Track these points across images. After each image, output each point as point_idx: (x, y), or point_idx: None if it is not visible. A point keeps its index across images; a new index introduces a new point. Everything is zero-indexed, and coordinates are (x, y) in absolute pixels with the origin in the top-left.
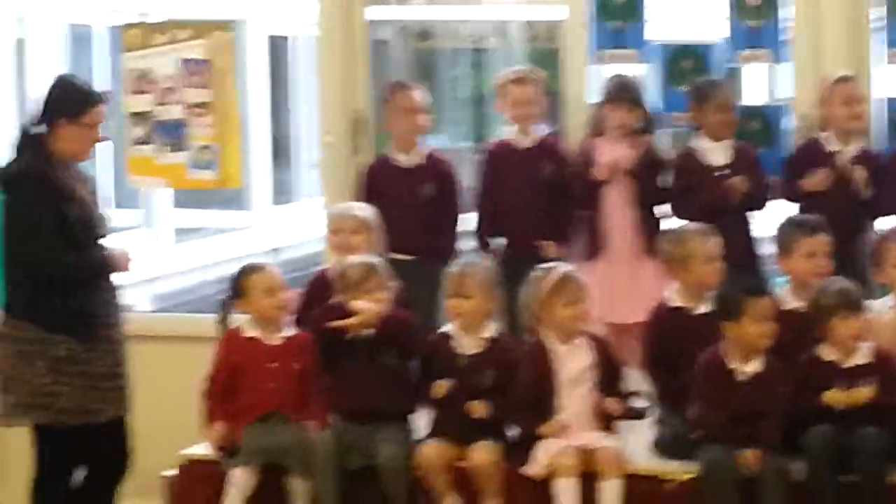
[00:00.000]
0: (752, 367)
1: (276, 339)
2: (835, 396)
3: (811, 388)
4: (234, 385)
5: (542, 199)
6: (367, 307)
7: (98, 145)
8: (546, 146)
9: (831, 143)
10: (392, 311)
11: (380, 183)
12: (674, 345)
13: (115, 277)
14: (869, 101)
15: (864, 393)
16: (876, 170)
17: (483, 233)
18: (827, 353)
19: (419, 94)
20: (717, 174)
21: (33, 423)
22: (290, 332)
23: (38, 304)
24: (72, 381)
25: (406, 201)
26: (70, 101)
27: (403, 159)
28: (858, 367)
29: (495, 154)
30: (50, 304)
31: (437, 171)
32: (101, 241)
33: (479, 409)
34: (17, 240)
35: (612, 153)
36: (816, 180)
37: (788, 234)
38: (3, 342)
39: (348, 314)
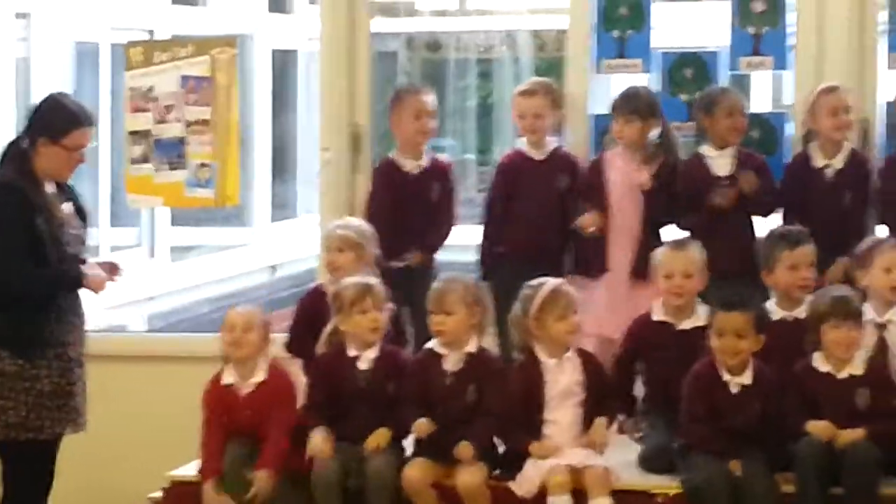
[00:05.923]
0: (742, 378)
1: (247, 387)
2: (818, 428)
3: (805, 398)
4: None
5: (554, 211)
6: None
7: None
8: (559, 158)
9: (817, 159)
10: (386, 348)
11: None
12: (648, 355)
13: (80, 296)
14: (873, 110)
15: (850, 435)
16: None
17: (489, 242)
18: (821, 363)
19: (428, 98)
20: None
21: None
22: (261, 377)
23: None
24: (17, 396)
25: (411, 204)
26: (54, 122)
27: (409, 164)
28: (852, 377)
29: (508, 165)
30: None
31: (439, 175)
32: (75, 259)
33: (465, 451)
34: None
35: (625, 170)
36: None
37: (771, 247)
38: None
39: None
